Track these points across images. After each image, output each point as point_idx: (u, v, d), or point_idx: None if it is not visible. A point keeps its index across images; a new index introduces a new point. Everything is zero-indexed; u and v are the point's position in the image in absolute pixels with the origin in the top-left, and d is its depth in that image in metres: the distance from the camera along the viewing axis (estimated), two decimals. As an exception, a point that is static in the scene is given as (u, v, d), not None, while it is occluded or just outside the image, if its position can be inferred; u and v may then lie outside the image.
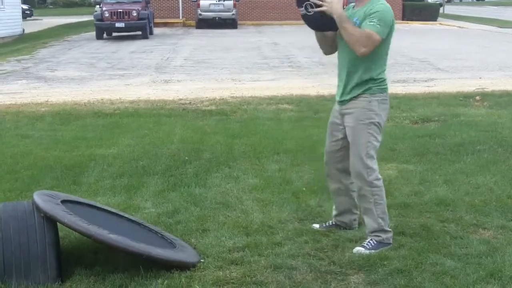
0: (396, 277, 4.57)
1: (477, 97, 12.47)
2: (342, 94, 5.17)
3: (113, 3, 30.44)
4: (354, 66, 5.06)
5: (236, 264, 4.81)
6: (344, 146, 5.28)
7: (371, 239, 5.13)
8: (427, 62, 19.55)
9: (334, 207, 5.60)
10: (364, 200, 5.14)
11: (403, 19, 42.83)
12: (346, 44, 5.02)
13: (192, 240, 5.27)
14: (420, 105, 11.65)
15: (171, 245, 4.96)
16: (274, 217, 5.83)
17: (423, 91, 13.61)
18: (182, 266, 4.68)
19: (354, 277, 4.64)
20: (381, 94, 5.09)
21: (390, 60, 18.75)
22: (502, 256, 4.91)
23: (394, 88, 13.94)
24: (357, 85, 5.06)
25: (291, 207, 6.11)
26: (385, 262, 4.80)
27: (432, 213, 5.90)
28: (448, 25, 40.16)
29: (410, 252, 4.98)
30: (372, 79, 5.05)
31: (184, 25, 38.77)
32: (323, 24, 5.10)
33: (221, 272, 4.66)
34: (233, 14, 36.15)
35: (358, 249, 5.06)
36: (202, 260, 4.84)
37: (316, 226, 5.61)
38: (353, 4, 5.20)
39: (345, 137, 5.24)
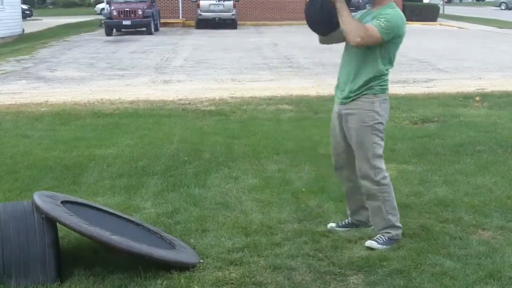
0: (395, 278, 4.57)
1: (477, 98, 12.46)
2: (344, 91, 5.18)
3: (121, 2, 32.55)
4: (362, 65, 5.09)
5: (235, 264, 4.82)
6: (348, 148, 5.31)
7: (382, 235, 5.17)
8: (427, 62, 19.55)
9: (347, 207, 5.65)
10: (373, 198, 5.20)
11: (402, 19, 42.90)
12: (356, 56, 5.10)
13: (192, 241, 5.28)
14: (420, 106, 11.66)
15: (171, 246, 4.97)
16: (273, 218, 5.84)
17: (423, 91, 13.62)
18: (183, 267, 4.69)
19: (353, 277, 4.63)
20: (382, 94, 5.14)
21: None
22: (502, 257, 4.90)
23: (394, 89, 13.94)
24: (363, 84, 5.09)
25: (290, 207, 6.13)
26: (384, 263, 4.80)
27: (431, 214, 5.92)
28: (448, 26, 40.15)
29: (409, 253, 4.99)
30: (376, 78, 5.08)
31: (184, 25, 38.77)
32: (323, 20, 5.10)
33: (220, 273, 4.67)
34: (233, 14, 36.14)
35: (371, 242, 5.12)
36: (201, 261, 4.85)
37: (333, 225, 5.64)
38: (368, 8, 5.27)
39: (345, 139, 5.28)
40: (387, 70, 5.13)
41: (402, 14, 5.14)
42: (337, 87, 5.32)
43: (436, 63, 19.39)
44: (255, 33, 33.42)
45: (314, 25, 5.18)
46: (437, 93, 13.23)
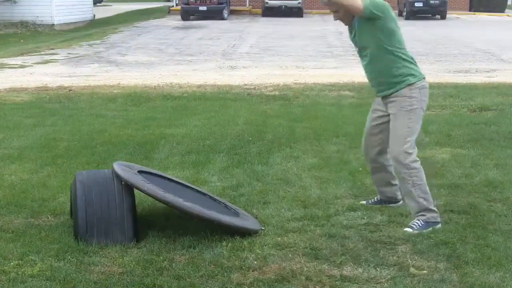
0: (441, 248, 4.92)
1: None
2: (381, 92, 5.51)
3: None
4: (382, 75, 5.41)
5: (294, 232, 5.25)
6: (382, 131, 5.59)
7: (417, 220, 5.38)
8: (491, 53, 19.54)
9: (375, 185, 5.98)
10: (403, 182, 5.41)
11: (470, 10, 42.33)
12: (369, 59, 5.41)
13: (254, 211, 5.73)
14: (479, 95, 11.85)
15: (236, 214, 5.44)
16: (330, 193, 6.25)
17: (483, 81, 13.74)
18: (246, 233, 5.13)
19: (402, 247, 4.98)
20: (418, 81, 5.38)
21: (455, 50, 18.68)
22: (545, 234, 5.03)
23: (455, 78, 14.20)
24: (394, 83, 5.37)
25: (347, 184, 6.52)
26: (432, 235, 5.15)
27: (480, 194, 6.22)
28: (517, 17, 39.49)
29: (456, 227, 5.33)
30: (400, 67, 5.35)
31: (251, 13, 39.19)
32: None
33: (279, 238, 5.10)
34: (299, 2, 36.29)
35: (406, 229, 5.33)
36: (263, 228, 5.30)
37: (363, 202, 6.00)
38: None
39: (385, 123, 5.55)
40: (402, 54, 5.35)
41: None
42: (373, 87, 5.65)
43: (499, 53, 19.36)
44: (321, 22, 33.58)
45: None
46: (497, 83, 13.34)
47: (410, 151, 5.37)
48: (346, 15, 5.35)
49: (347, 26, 5.56)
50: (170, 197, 5.00)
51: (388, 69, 5.38)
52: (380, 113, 5.62)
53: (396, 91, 5.39)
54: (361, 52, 5.50)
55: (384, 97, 5.51)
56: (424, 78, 5.47)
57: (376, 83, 5.53)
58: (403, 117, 5.38)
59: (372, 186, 6.38)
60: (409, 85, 5.36)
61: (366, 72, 5.58)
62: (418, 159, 5.44)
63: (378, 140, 5.70)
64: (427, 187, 5.45)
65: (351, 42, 5.69)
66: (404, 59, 5.38)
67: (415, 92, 5.37)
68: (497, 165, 7.16)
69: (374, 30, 5.29)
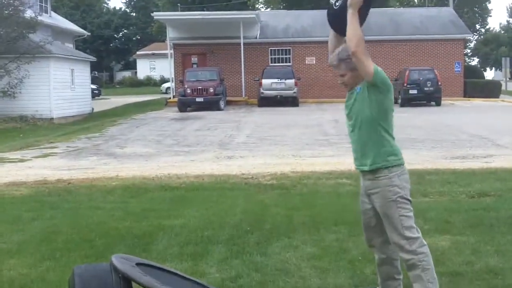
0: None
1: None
2: (361, 165, 5.48)
3: (194, 81, 35.93)
4: (367, 146, 5.36)
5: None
6: (378, 222, 5.54)
7: None
8: (487, 138, 19.72)
9: (378, 276, 5.87)
10: (413, 268, 5.33)
11: (464, 96, 42.97)
12: (359, 127, 5.38)
13: (254, 303, 5.68)
14: (478, 181, 11.87)
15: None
16: (330, 283, 6.19)
17: (481, 166, 13.81)
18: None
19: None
20: (398, 167, 5.34)
21: (451, 136, 18.85)
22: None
23: (452, 164, 14.26)
24: (377, 158, 5.31)
25: (346, 274, 6.47)
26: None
27: (481, 281, 6.17)
28: (511, 102, 40.10)
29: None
30: (387, 152, 5.32)
31: (247, 103, 39.65)
32: (341, 22, 5.36)
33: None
34: (294, 92, 36.84)
35: None
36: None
37: None
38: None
39: (376, 214, 5.51)
40: (390, 135, 5.34)
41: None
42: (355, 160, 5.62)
43: (496, 139, 19.54)
44: (317, 110, 33.97)
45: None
46: (495, 168, 13.40)
47: (414, 236, 5.30)
48: (352, 79, 5.35)
49: (346, 97, 5.53)
50: (167, 290, 4.95)
51: (374, 142, 5.33)
52: (368, 206, 5.57)
53: (376, 170, 5.32)
54: (353, 121, 5.43)
55: (366, 179, 5.46)
56: (403, 164, 5.42)
57: (359, 155, 5.47)
58: (391, 207, 5.31)
59: (372, 275, 6.35)
60: (388, 168, 5.29)
61: (352, 142, 5.54)
62: (425, 243, 5.36)
63: (378, 232, 5.63)
64: (435, 273, 5.38)
65: (346, 129, 5.68)
66: (391, 139, 5.36)
67: (395, 180, 5.31)
68: (498, 252, 7.12)
69: (373, 102, 5.25)
